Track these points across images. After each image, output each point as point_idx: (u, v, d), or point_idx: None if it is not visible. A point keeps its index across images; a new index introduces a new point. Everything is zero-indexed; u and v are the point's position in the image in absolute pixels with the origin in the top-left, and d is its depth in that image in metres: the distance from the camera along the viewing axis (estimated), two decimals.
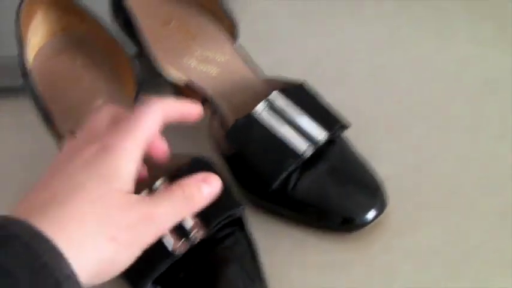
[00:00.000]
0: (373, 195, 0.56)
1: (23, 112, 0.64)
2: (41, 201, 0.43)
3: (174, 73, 0.63)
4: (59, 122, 0.59)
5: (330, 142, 0.58)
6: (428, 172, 0.59)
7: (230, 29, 0.65)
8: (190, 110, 0.50)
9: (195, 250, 0.52)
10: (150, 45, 0.62)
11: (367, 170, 0.57)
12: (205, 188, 0.48)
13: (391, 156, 0.60)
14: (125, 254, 0.43)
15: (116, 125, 0.47)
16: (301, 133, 0.57)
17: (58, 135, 0.59)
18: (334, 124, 0.58)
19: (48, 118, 0.58)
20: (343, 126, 0.58)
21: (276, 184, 0.56)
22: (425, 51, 0.70)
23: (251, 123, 0.58)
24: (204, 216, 0.51)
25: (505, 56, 0.68)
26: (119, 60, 0.61)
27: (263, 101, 0.59)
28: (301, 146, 0.56)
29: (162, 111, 0.48)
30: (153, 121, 0.47)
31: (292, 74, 0.64)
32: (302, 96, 0.60)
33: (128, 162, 0.45)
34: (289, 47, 0.71)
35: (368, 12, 0.74)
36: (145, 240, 0.44)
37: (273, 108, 0.58)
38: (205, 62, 0.64)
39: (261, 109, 0.58)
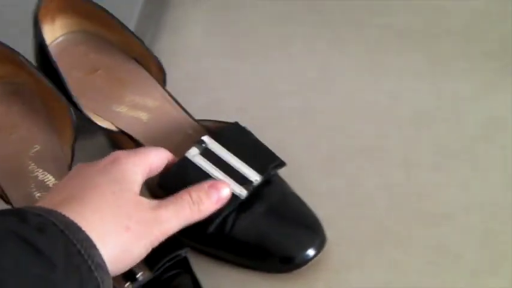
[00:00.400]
0: (312, 233, 0.55)
1: None
2: (62, 198, 0.47)
3: (102, 122, 0.62)
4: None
5: (266, 182, 0.57)
6: (365, 209, 0.59)
7: (159, 73, 0.64)
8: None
9: None
10: (76, 95, 0.61)
11: (304, 208, 0.57)
12: (214, 193, 0.52)
13: (326, 195, 0.60)
14: (137, 244, 0.47)
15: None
16: (235, 176, 0.56)
17: None
18: (268, 164, 0.57)
19: None
20: (278, 165, 0.58)
21: (212, 228, 0.55)
22: (356, 87, 0.70)
23: (184, 167, 0.57)
24: (149, 258, 0.50)
25: (436, 88, 0.69)
26: (56, 107, 0.61)
27: (195, 145, 0.58)
28: (236, 189, 0.55)
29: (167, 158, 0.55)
30: (159, 157, 0.54)
31: (224, 114, 0.63)
32: (235, 137, 0.59)
33: (134, 173, 0.50)
34: (220, 87, 0.71)
35: (299, 49, 0.75)
36: (154, 236, 0.48)
37: (205, 152, 0.58)
38: (136, 108, 0.64)
39: (193, 153, 0.57)
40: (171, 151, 0.57)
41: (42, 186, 0.59)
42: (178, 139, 0.62)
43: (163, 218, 0.49)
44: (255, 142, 0.59)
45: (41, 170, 0.60)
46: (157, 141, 0.61)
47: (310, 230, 0.55)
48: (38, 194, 0.59)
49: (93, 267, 0.41)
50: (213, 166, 0.57)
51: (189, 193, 0.51)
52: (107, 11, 0.64)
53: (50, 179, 0.60)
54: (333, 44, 0.75)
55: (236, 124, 0.60)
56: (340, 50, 0.74)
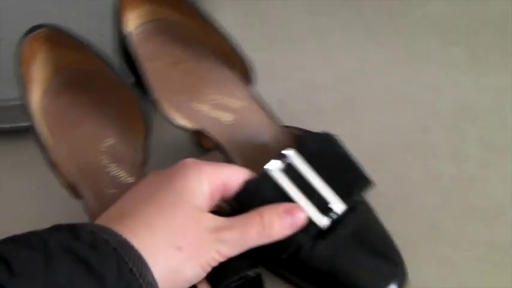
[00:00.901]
0: (395, 267, 0.51)
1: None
2: (118, 213, 0.46)
3: (181, 120, 0.59)
4: (67, 165, 0.57)
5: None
6: (412, 204, 0.59)
7: (245, 72, 0.60)
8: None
9: None
10: (154, 88, 0.58)
11: (388, 239, 0.53)
12: (288, 219, 0.48)
13: (372, 191, 0.56)
14: (188, 265, 0.45)
15: None
16: (317, 201, 0.51)
17: (65, 179, 0.56)
18: (353, 186, 0.53)
19: (53, 164, 0.55)
20: (365, 185, 0.53)
21: (285, 255, 0.51)
22: (395, 79, 0.69)
23: (262, 183, 0.52)
24: (215, 275, 0.48)
25: (478, 81, 0.68)
26: (127, 99, 0.58)
27: (279, 160, 0.53)
28: (315, 216, 0.51)
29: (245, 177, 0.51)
30: (237, 174, 0.50)
31: None
32: (321, 150, 0.54)
33: (200, 183, 0.47)
34: (259, 79, 0.70)
35: (335, 41, 0.73)
36: (211, 257, 0.46)
37: (287, 168, 0.52)
38: (218, 108, 0.60)
39: (273, 168, 0.52)
40: (252, 157, 0.55)
41: (114, 182, 0.57)
42: (261, 145, 0.58)
43: (226, 238, 0.46)
44: (343, 156, 0.54)
45: (113, 165, 0.58)
46: (239, 146, 0.58)
47: (393, 263, 0.52)
48: (111, 191, 0.57)
49: (144, 286, 0.41)
50: (293, 186, 0.52)
51: (260, 215, 0.48)
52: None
53: (123, 175, 0.57)
54: (369, 36, 0.73)
55: (324, 135, 0.55)
56: (376, 42, 0.72)
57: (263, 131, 0.59)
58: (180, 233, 0.45)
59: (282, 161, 0.53)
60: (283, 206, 0.49)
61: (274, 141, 0.58)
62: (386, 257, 0.51)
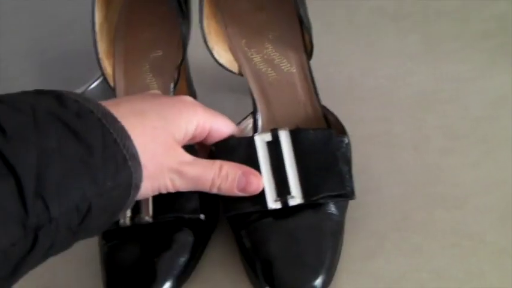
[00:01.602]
0: (313, 275, 0.51)
1: None
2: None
3: (228, 60, 0.62)
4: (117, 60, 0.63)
5: (310, 205, 0.53)
6: (378, 196, 0.59)
7: (308, 44, 0.61)
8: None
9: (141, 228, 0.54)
10: (226, 23, 0.62)
11: (322, 254, 0.52)
12: (243, 181, 0.52)
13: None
14: (147, 181, 0.46)
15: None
16: (279, 185, 0.53)
17: (106, 70, 0.62)
18: (322, 192, 0.53)
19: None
20: (336, 196, 0.53)
21: (228, 215, 0.54)
22: (356, 71, 0.70)
23: (243, 145, 0.55)
24: (159, 205, 0.53)
25: (436, 70, 0.68)
26: (174, 22, 0.61)
27: (270, 132, 0.55)
28: (270, 197, 0.53)
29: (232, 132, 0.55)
30: (225, 126, 0.54)
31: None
32: (316, 146, 0.54)
33: (189, 121, 0.50)
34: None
35: None
36: (163, 183, 0.48)
37: (273, 144, 0.54)
38: (268, 63, 0.62)
39: (261, 138, 0.55)
40: (278, 122, 0.58)
41: (144, 89, 0.62)
42: (290, 113, 0.60)
43: (184, 173, 0.49)
44: (333, 161, 0.54)
45: (150, 75, 0.62)
46: (270, 106, 0.61)
47: (312, 271, 0.51)
48: None
49: (127, 157, 0.43)
50: (268, 161, 0.54)
51: (220, 166, 0.51)
52: None
53: (154, 87, 0.62)
54: (325, 28, 0.73)
55: (329, 132, 0.56)
56: (332, 34, 0.72)
57: (299, 102, 0.61)
58: (150, 153, 0.46)
59: (272, 135, 0.55)
60: (246, 169, 0.52)
61: (306, 115, 0.60)
62: (310, 266, 0.51)
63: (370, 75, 0.69)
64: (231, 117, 0.60)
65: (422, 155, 0.61)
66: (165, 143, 0.48)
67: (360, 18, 0.76)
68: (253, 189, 0.52)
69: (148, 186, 0.47)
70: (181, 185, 0.50)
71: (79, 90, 0.67)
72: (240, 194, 0.52)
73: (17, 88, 0.67)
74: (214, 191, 0.51)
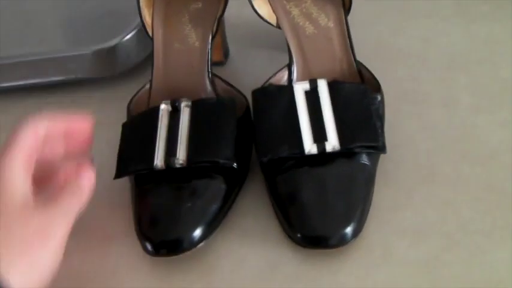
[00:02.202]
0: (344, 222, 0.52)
1: None
2: None
3: (267, 12, 0.63)
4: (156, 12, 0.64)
5: (347, 154, 0.55)
6: (407, 150, 0.60)
7: (348, 1, 0.62)
8: (77, 124, 0.54)
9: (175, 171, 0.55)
10: None
11: (354, 204, 0.53)
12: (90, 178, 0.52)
13: None
14: (46, 251, 0.47)
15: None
16: (317, 131, 0.54)
17: (146, 20, 0.64)
18: (357, 141, 0.54)
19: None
20: (370, 147, 0.55)
21: (265, 159, 0.55)
22: (386, 30, 0.71)
23: (282, 91, 0.57)
24: (193, 151, 0.54)
25: (468, 31, 0.70)
26: None
27: (308, 81, 0.57)
28: (308, 143, 0.54)
29: (40, 128, 0.51)
30: (30, 138, 0.50)
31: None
32: (352, 98, 0.56)
33: (13, 177, 0.48)
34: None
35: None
36: (60, 229, 0.48)
37: (311, 92, 0.56)
38: (307, 17, 0.63)
39: (301, 87, 0.56)
40: (313, 75, 0.59)
41: (183, 40, 0.63)
42: (326, 67, 0.61)
43: (51, 230, 0.48)
44: (368, 115, 0.56)
45: (189, 26, 0.63)
46: (306, 57, 0.62)
47: (344, 219, 0.52)
48: (177, 45, 0.63)
49: None
50: (306, 108, 0.56)
51: (72, 190, 0.51)
52: None
53: (193, 37, 0.63)
54: None
55: (364, 87, 0.57)
56: None
57: (334, 57, 0.62)
58: (17, 237, 0.46)
59: (311, 84, 0.56)
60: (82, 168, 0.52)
61: (339, 69, 0.61)
62: (342, 214, 0.52)
63: (401, 35, 0.70)
64: (264, 73, 0.62)
65: (451, 113, 0.62)
66: (16, 212, 0.47)
67: None
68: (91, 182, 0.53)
69: (56, 247, 0.48)
70: (63, 229, 0.49)
71: (113, 42, 0.68)
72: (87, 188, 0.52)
73: (50, 38, 0.70)
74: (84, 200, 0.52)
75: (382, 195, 0.56)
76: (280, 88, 0.57)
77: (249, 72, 0.69)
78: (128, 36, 0.68)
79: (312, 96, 0.56)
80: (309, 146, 0.54)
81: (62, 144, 0.53)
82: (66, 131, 0.53)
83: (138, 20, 0.64)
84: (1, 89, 0.71)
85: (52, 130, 0.52)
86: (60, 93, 0.71)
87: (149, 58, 0.65)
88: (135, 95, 0.62)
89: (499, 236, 0.53)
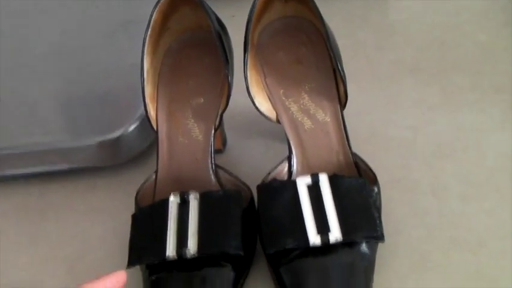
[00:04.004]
0: None
1: None
2: None
3: (267, 108, 0.67)
4: (159, 103, 0.68)
5: (349, 244, 0.57)
6: (399, 237, 0.62)
7: (343, 96, 0.66)
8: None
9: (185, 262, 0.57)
10: (265, 72, 0.67)
11: None
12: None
13: None
14: None
15: None
16: (319, 222, 0.57)
17: (150, 113, 0.66)
18: (358, 232, 0.57)
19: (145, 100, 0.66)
20: (371, 238, 0.57)
21: (271, 250, 0.57)
22: (377, 120, 0.75)
23: (286, 186, 0.59)
24: (204, 242, 0.57)
25: (454, 120, 0.73)
26: (221, 71, 0.66)
27: (310, 176, 0.59)
28: (311, 235, 0.56)
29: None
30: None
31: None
32: (351, 191, 0.59)
33: None
34: None
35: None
36: None
37: (313, 187, 0.59)
38: (305, 112, 0.67)
39: (302, 182, 0.59)
40: (312, 168, 0.63)
41: (187, 134, 0.66)
42: (324, 159, 0.65)
43: None
44: (367, 206, 0.58)
45: (192, 121, 0.66)
46: (305, 154, 0.65)
47: None
48: (181, 139, 0.66)
49: None
50: (309, 202, 0.58)
51: None
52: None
53: (195, 132, 0.66)
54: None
55: (363, 181, 0.60)
56: (355, 84, 0.77)
57: (332, 150, 0.65)
58: None
59: (312, 178, 0.59)
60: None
61: (336, 161, 0.65)
62: None
63: (391, 125, 0.73)
64: (261, 162, 0.67)
65: (439, 201, 0.65)
66: None
67: (380, 70, 0.80)
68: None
69: None
70: None
71: (116, 134, 0.70)
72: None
73: (55, 129, 0.72)
74: None
75: (377, 282, 0.58)
76: (283, 183, 0.60)
77: (246, 160, 0.72)
78: (131, 128, 0.70)
79: (314, 190, 0.59)
80: (313, 238, 0.56)
81: None
82: None
83: (140, 111, 0.67)
84: (5, 177, 0.73)
85: None
86: (62, 181, 0.73)
87: (150, 147, 0.69)
88: (141, 186, 0.65)
89: None
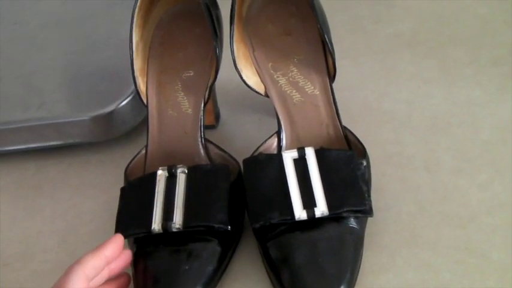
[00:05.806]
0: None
1: None
2: None
3: (255, 82, 0.66)
4: (149, 77, 0.68)
5: (335, 218, 0.57)
6: (391, 212, 0.62)
7: (332, 67, 0.65)
8: (115, 251, 0.55)
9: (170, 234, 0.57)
10: (254, 45, 0.66)
11: (344, 265, 0.55)
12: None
13: None
14: None
15: None
16: (306, 197, 0.57)
17: (140, 87, 0.67)
18: (345, 206, 0.56)
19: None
20: (357, 212, 0.57)
21: (257, 225, 0.57)
22: (372, 94, 0.74)
23: (273, 159, 0.59)
24: (189, 215, 0.57)
25: (450, 94, 0.73)
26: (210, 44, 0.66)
27: (296, 150, 0.59)
28: (298, 209, 0.56)
29: (89, 269, 0.52)
30: (81, 283, 0.51)
31: None
32: (339, 164, 0.59)
33: (80, 280, 0.51)
34: None
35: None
36: None
37: (299, 161, 0.59)
38: (293, 85, 0.66)
39: (289, 156, 0.59)
40: (302, 141, 0.63)
41: (176, 107, 0.66)
42: (313, 133, 0.64)
43: None
44: (354, 179, 0.58)
45: (182, 94, 0.66)
46: (294, 127, 0.65)
47: (335, 281, 0.54)
48: (171, 112, 0.66)
49: None
50: (295, 175, 0.58)
51: None
52: None
53: (185, 105, 0.66)
54: (345, 54, 0.76)
55: (351, 153, 0.60)
56: (349, 59, 0.77)
57: (321, 123, 0.65)
58: None
59: (299, 152, 0.59)
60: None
61: (326, 135, 0.64)
62: (333, 276, 0.54)
63: (386, 99, 0.73)
64: (254, 138, 0.66)
65: (432, 176, 0.65)
66: None
67: (377, 44, 0.80)
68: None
69: None
70: None
71: (110, 108, 0.71)
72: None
73: (50, 102, 0.72)
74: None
75: (366, 257, 0.58)
76: (269, 157, 0.60)
77: (240, 135, 0.72)
78: (124, 102, 0.71)
79: (301, 164, 0.58)
80: (299, 212, 0.56)
81: (106, 271, 0.55)
82: (108, 260, 0.54)
83: (133, 86, 0.67)
84: (2, 152, 0.73)
85: (99, 266, 0.53)
86: (58, 157, 0.74)
87: (143, 122, 0.69)
88: (131, 161, 0.65)
89: None
